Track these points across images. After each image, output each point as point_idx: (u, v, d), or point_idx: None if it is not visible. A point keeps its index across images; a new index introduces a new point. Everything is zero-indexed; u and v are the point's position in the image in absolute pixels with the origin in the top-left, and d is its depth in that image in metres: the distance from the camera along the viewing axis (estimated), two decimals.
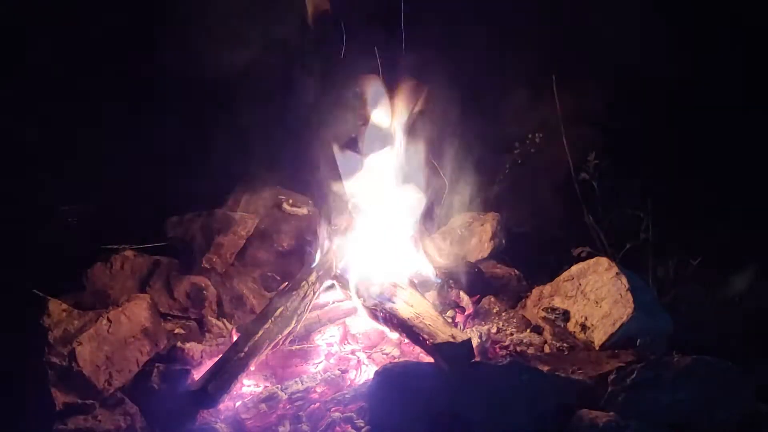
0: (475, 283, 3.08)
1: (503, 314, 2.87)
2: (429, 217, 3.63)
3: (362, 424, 2.16)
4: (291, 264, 3.24)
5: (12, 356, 2.32)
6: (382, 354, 2.60)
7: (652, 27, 3.57)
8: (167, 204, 3.35)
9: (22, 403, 2.22)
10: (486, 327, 2.73)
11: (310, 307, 2.63)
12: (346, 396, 2.29)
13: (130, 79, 3.57)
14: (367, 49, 2.94)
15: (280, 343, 2.51)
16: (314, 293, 2.65)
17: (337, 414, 2.21)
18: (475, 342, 2.46)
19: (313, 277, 2.65)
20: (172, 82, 3.55)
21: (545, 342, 2.66)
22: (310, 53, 3.00)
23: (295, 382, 2.37)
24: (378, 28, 3.03)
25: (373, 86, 2.87)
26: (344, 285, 2.73)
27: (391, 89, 2.88)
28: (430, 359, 2.35)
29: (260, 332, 2.40)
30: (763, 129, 3.44)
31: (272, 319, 2.45)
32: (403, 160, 2.94)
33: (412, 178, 2.99)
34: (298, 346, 2.61)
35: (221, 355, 2.39)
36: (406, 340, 2.51)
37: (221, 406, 2.30)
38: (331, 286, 2.81)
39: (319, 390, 2.35)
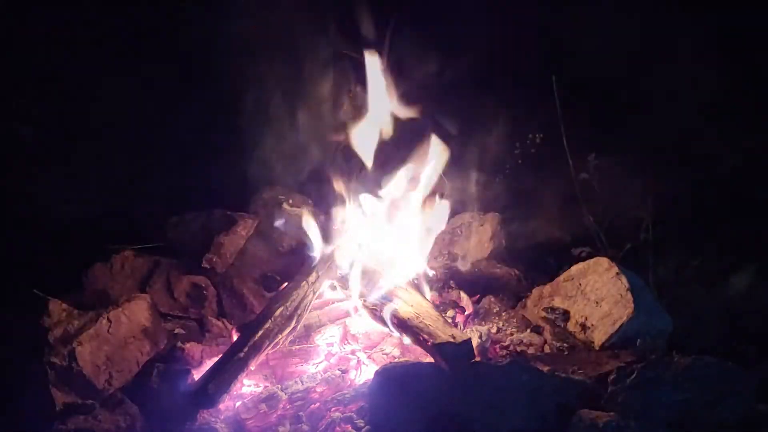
0: (475, 283, 3.09)
1: (503, 314, 2.87)
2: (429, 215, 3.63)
3: (362, 424, 2.16)
4: (291, 264, 3.24)
5: (12, 356, 2.32)
6: (382, 354, 2.60)
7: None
8: (167, 204, 3.35)
9: (22, 403, 2.22)
10: (486, 327, 2.73)
11: (310, 307, 2.63)
12: (346, 396, 2.29)
13: (131, 79, 3.57)
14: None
15: (280, 343, 2.51)
16: (314, 293, 2.65)
17: (337, 414, 2.21)
18: (475, 342, 2.46)
19: (313, 277, 2.65)
20: (173, 82, 3.56)
21: (545, 342, 2.66)
22: None
23: (295, 382, 2.37)
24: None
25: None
26: (344, 285, 2.73)
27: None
28: (430, 359, 2.35)
29: (260, 332, 2.40)
30: (763, 126, 3.44)
31: (272, 319, 2.45)
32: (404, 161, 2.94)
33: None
34: (298, 346, 2.61)
35: (221, 355, 2.39)
36: (407, 340, 2.51)
37: (221, 406, 2.30)
38: (332, 286, 2.82)
39: (319, 390, 2.35)
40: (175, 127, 3.59)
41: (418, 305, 2.49)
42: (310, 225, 2.85)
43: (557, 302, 2.82)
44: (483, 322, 2.82)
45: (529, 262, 3.32)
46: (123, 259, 3.02)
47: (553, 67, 3.40)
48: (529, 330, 2.75)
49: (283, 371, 2.53)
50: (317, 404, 2.28)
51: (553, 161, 3.45)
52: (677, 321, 2.62)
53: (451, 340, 2.23)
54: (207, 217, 3.28)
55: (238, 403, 2.30)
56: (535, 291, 2.98)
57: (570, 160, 3.35)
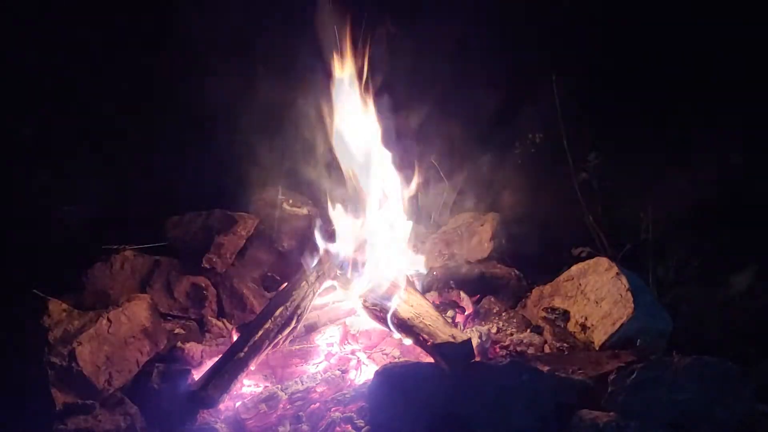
0: (475, 283, 3.09)
1: (503, 314, 2.87)
2: (429, 216, 3.64)
3: (362, 424, 2.16)
4: (291, 264, 3.24)
5: (12, 356, 2.32)
6: (382, 354, 2.60)
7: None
8: (167, 204, 3.35)
9: (22, 403, 2.22)
10: (486, 327, 2.73)
11: (310, 307, 2.63)
12: (346, 396, 2.29)
13: (131, 79, 3.57)
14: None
15: (280, 343, 2.51)
16: (314, 293, 2.65)
17: (337, 414, 2.21)
18: (475, 342, 2.46)
19: (313, 277, 2.65)
20: (173, 82, 3.56)
21: (545, 342, 2.66)
22: None
23: (295, 382, 2.37)
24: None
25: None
26: (344, 285, 2.73)
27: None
28: (430, 359, 2.35)
29: (260, 332, 2.40)
30: (762, 127, 3.44)
31: (272, 319, 2.45)
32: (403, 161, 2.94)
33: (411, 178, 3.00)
34: (298, 346, 2.61)
35: (221, 355, 2.39)
36: (407, 341, 2.51)
37: (221, 406, 2.30)
38: (331, 287, 2.82)
39: (319, 390, 2.35)
40: (175, 126, 3.59)
41: (418, 305, 2.49)
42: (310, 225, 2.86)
43: (557, 302, 2.82)
44: (483, 322, 2.82)
45: (529, 262, 3.32)
46: (123, 259, 3.02)
47: (553, 66, 3.40)
48: (529, 330, 2.75)
49: (283, 371, 2.53)
50: (317, 404, 2.28)
51: (553, 161, 3.45)
52: (677, 321, 2.62)
53: (451, 340, 2.23)
54: (207, 217, 3.28)
55: (238, 403, 2.30)
56: (535, 291, 2.98)
57: (570, 160, 3.35)
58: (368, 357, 2.58)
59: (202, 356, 2.60)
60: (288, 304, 2.52)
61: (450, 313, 2.86)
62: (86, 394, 2.28)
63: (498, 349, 2.62)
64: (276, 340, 2.47)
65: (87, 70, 3.51)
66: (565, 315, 2.74)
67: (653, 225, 3.16)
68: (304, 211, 3.47)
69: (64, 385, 2.26)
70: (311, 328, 2.71)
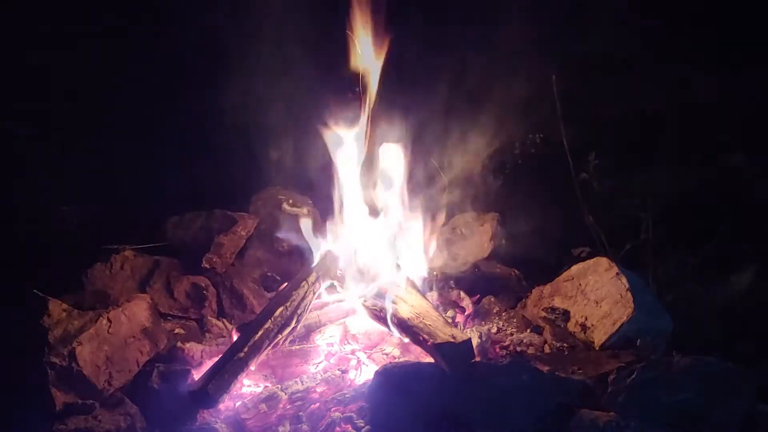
0: (475, 283, 3.09)
1: (503, 314, 2.87)
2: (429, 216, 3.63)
3: (362, 424, 2.16)
4: (291, 264, 3.24)
5: (12, 356, 2.32)
6: (382, 354, 2.60)
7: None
8: (167, 204, 3.35)
9: (22, 403, 2.22)
10: (486, 327, 2.73)
11: (310, 307, 2.63)
12: (346, 396, 2.29)
13: (131, 79, 3.57)
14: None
15: (280, 343, 2.51)
16: (314, 293, 2.65)
17: (337, 414, 2.21)
18: (475, 342, 2.46)
19: (313, 277, 2.65)
20: (173, 83, 3.56)
21: (545, 342, 2.66)
22: None
23: (295, 382, 2.37)
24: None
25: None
26: (344, 285, 2.74)
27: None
28: (430, 359, 2.35)
29: (260, 332, 2.40)
30: (761, 125, 3.44)
31: (272, 319, 2.45)
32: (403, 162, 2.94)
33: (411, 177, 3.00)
34: (298, 346, 2.61)
35: (221, 355, 2.39)
36: (406, 340, 2.51)
37: (221, 406, 2.30)
38: (331, 286, 2.82)
39: (319, 390, 2.35)
40: (175, 126, 3.59)
41: (418, 305, 2.49)
42: (308, 226, 2.86)
43: (557, 302, 2.82)
44: (483, 322, 2.82)
45: (529, 262, 3.32)
46: (123, 259, 3.02)
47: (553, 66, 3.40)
48: (529, 330, 2.75)
49: (283, 371, 2.53)
50: (317, 404, 2.28)
51: (553, 161, 3.45)
52: (677, 321, 2.62)
53: (451, 340, 2.23)
54: (207, 217, 3.28)
55: (238, 403, 2.30)
56: (535, 291, 2.98)
57: (570, 160, 3.35)
58: (368, 357, 2.58)
59: (202, 356, 2.60)
60: (288, 304, 2.52)
61: (450, 313, 2.86)
62: (86, 394, 2.27)
63: (498, 349, 2.62)
64: (276, 340, 2.47)
65: (87, 70, 3.51)
66: (565, 315, 2.74)
67: (653, 225, 3.16)
68: (304, 211, 3.46)
69: (64, 385, 2.26)
70: (311, 328, 2.71)
